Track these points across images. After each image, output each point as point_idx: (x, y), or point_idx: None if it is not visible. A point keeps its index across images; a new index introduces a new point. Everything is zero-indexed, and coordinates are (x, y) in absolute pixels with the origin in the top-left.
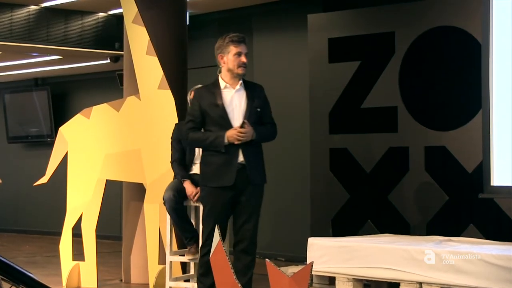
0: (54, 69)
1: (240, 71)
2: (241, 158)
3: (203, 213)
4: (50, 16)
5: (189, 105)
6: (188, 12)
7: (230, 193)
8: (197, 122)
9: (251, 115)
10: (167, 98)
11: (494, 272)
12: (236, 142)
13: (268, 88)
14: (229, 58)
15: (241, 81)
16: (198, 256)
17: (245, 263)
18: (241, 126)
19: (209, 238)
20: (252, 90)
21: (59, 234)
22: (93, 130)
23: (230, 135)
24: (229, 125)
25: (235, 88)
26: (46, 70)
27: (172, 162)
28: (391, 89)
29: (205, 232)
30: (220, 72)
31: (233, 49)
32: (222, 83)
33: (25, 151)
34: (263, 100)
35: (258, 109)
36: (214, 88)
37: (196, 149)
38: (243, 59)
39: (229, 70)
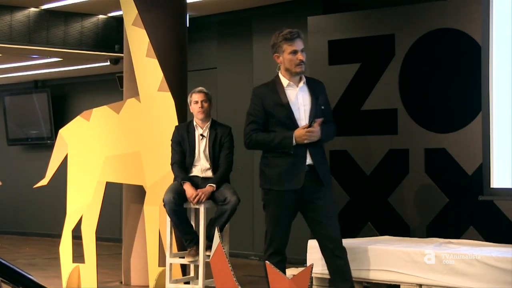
0: (54, 71)
1: (298, 69)
2: (308, 159)
3: (268, 216)
4: (50, 18)
5: (190, 106)
6: (188, 14)
7: (296, 196)
8: (260, 123)
9: (317, 114)
10: (167, 100)
11: (494, 274)
12: (305, 142)
13: None
14: (285, 57)
15: (304, 79)
16: (198, 258)
17: (340, 266)
18: (309, 125)
19: (273, 242)
20: (315, 87)
21: (59, 236)
22: (93, 132)
23: (298, 135)
24: (295, 126)
25: (298, 86)
26: (46, 72)
27: (172, 164)
28: (391, 91)
29: (269, 235)
30: (279, 69)
31: (287, 48)
32: (284, 81)
33: (25, 154)
34: (325, 97)
35: (322, 107)
36: (276, 87)
37: (196, 151)
38: (300, 56)
39: (287, 70)
